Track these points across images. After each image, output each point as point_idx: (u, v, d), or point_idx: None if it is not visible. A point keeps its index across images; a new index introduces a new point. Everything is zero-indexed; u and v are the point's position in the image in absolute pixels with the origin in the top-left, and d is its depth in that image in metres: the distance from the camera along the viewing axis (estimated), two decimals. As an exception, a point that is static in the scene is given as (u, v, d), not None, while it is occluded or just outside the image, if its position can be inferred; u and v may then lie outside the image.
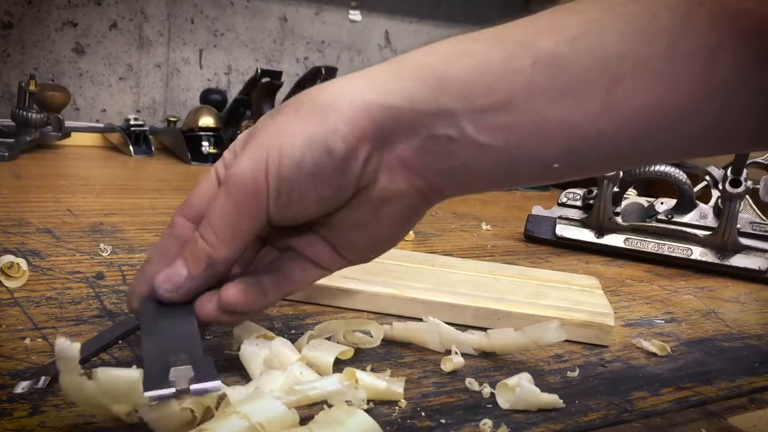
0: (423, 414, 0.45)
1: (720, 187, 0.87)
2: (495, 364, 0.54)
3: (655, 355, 0.60)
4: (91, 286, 0.62)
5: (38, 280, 0.62)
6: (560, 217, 0.98)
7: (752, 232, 0.88)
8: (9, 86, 1.52)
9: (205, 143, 1.46)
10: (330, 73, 1.48)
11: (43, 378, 0.41)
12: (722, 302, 0.80)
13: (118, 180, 1.22)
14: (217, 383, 0.37)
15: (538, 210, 1.02)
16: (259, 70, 1.43)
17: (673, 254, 0.89)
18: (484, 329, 0.57)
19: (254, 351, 0.47)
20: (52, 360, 0.46)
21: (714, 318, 0.73)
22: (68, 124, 1.44)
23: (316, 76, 1.46)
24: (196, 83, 1.74)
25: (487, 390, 0.48)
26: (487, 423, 0.43)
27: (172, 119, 1.56)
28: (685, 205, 0.91)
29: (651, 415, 0.48)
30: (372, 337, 0.53)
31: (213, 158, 1.46)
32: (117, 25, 1.62)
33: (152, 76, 1.69)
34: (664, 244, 0.90)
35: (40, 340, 0.49)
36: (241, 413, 0.36)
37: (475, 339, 0.56)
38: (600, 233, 0.93)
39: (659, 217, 0.91)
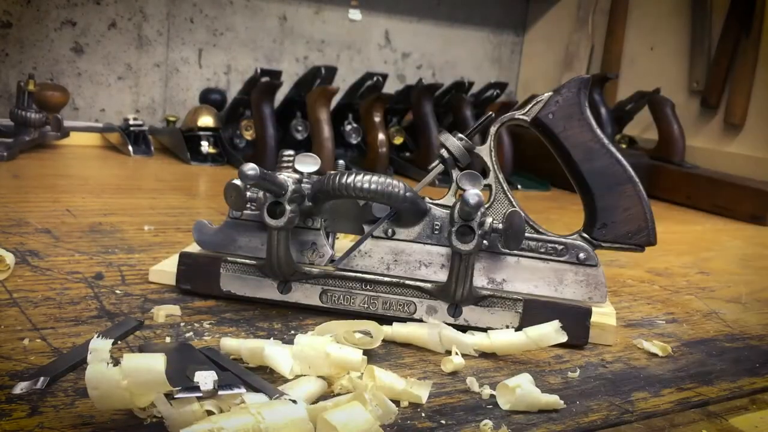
0: (423, 414, 0.44)
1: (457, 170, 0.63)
2: (495, 364, 0.54)
3: (656, 355, 0.60)
4: (90, 287, 0.62)
5: (37, 280, 0.62)
6: (227, 260, 0.62)
7: (525, 254, 0.62)
8: (8, 86, 1.52)
9: (204, 143, 1.46)
10: (330, 72, 1.48)
11: (41, 378, 0.41)
12: (723, 303, 0.80)
13: (118, 180, 1.22)
14: (241, 387, 0.39)
15: (201, 232, 0.64)
16: (258, 70, 1.43)
17: (388, 313, 0.60)
18: (485, 330, 0.57)
19: (279, 350, 0.47)
20: (51, 360, 0.45)
21: (715, 318, 0.73)
22: (67, 123, 1.44)
23: (315, 75, 1.46)
24: (196, 83, 1.74)
25: (487, 391, 0.48)
26: (487, 424, 0.43)
27: (171, 119, 1.56)
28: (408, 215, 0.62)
29: (652, 416, 0.48)
30: (372, 337, 0.53)
31: (212, 158, 1.46)
32: (116, 25, 1.62)
33: (151, 75, 1.68)
34: (377, 297, 0.60)
35: (38, 340, 0.49)
36: (254, 412, 0.36)
37: (475, 340, 0.55)
38: (284, 285, 0.61)
39: (376, 233, 0.62)
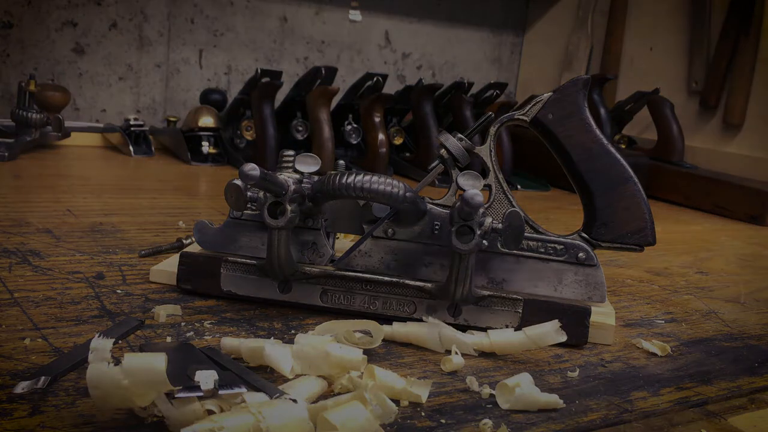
0: (423, 414, 0.45)
1: (457, 169, 0.62)
2: (495, 364, 0.54)
3: (655, 355, 0.60)
4: (90, 286, 0.62)
5: (38, 280, 0.62)
6: (228, 260, 0.62)
7: (526, 253, 0.62)
8: (9, 86, 1.52)
9: (204, 143, 1.46)
10: (330, 73, 1.48)
11: (42, 378, 0.41)
12: (722, 302, 0.80)
13: (118, 180, 1.22)
14: (241, 386, 0.40)
15: (202, 232, 0.64)
16: (259, 70, 1.43)
17: (388, 312, 0.60)
18: (484, 329, 0.57)
19: (279, 350, 0.47)
20: (52, 360, 0.46)
21: (714, 318, 0.73)
22: (68, 124, 1.44)
23: (316, 76, 1.46)
24: (196, 83, 1.74)
25: (486, 390, 0.48)
26: (487, 423, 0.43)
27: (171, 119, 1.56)
28: (409, 215, 0.61)
29: (651, 416, 0.48)
30: (372, 337, 0.53)
31: (213, 158, 1.46)
32: (117, 25, 1.62)
33: (152, 76, 1.69)
34: (377, 297, 0.61)
35: (39, 340, 0.49)
36: (255, 411, 0.37)
37: (475, 339, 0.56)
38: (284, 285, 0.61)
39: (376, 233, 0.62)
